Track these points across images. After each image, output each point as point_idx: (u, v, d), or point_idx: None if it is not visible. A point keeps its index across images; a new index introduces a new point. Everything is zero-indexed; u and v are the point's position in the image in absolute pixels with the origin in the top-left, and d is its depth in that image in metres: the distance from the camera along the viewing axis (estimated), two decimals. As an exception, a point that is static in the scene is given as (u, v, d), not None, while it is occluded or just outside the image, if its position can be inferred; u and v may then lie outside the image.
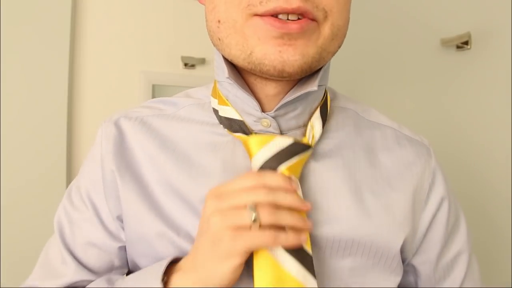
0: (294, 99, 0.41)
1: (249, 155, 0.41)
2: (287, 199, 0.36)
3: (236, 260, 0.34)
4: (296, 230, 0.36)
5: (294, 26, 0.35)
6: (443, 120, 1.03)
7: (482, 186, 0.91)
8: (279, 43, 0.35)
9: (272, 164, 0.39)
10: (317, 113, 0.44)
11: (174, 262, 0.39)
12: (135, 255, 0.44)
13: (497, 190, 0.88)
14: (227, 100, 0.43)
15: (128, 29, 1.40)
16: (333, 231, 0.40)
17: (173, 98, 0.50)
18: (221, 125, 0.44)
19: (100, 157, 0.46)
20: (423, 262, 0.47)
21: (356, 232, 0.41)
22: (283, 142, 0.40)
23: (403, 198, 0.44)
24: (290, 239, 0.35)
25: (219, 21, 0.38)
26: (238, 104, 0.43)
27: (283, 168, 0.39)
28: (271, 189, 0.36)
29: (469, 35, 0.93)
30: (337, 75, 1.46)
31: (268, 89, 0.42)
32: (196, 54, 1.49)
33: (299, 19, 0.36)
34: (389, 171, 0.45)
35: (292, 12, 0.35)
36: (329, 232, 0.40)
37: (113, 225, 0.45)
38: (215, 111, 0.45)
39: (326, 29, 0.38)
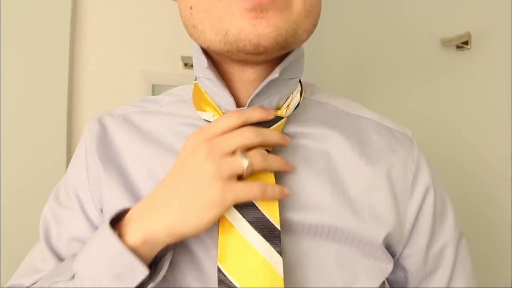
0: (267, 90, 0.41)
1: None
2: (273, 137, 0.38)
3: (221, 210, 0.35)
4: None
5: None
6: (442, 120, 1.03)
7: (482, 186, 0.91)
8: (253, 16, 0.35)
9: None
10: (297, 92, 0.45)
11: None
12: None
13: (497, 190, 0.88)
14: (207, 96, 0.44)
15: (128, 29, 1.40)
16: (314, 218, 0.41)
17: (155, 96, 0.51)
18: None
19: (84, 151, 0.47)
20: (411, 254, 0.47)
21: (338, 220, 0.41)
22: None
23: (383, 186, 0.44)
24: (277, 192, 0.37)
25: (191, 8, 0.38)
26: (215, 99, 0.43)
27: None
28: (257, 130, 0.38)
29: (469, 35, 0.93)
30: (336, 75, 1.46)
31: (246, 76, 0.42)
32: (196, 54, 1.49)
33: None
34: (368, 161, 0.45)
35: None
36: (310, 218, 0.41)
37: (98, 220, 0.46)
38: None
39: (298, 4, 0.37)
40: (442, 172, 0.95)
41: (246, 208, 0.38)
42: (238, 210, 0.38)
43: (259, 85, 0.42)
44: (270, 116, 0.40)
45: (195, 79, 0.47)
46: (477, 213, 0.91)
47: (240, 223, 0.38)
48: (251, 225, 0.38)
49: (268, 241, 0.37)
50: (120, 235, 0.36)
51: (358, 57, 1.35)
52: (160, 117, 0.47)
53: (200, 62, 0.42)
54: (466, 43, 0.95)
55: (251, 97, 0.41)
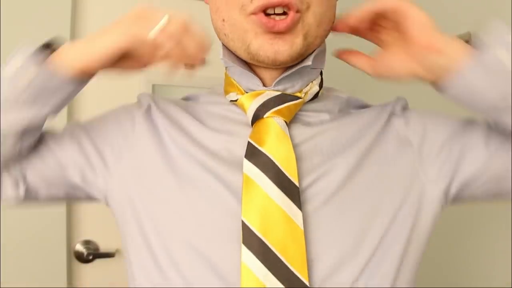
0: (292, 75, 0.48)
1: (244, 111, 0.48)
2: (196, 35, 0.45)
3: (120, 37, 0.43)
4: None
5: (282, 26, 0.42)
6: (443, 120, 1.03)
7: (482, 186, 0.91)
8: (271, 37, 0.43)
9: (261, 110, 0.47)
10: (317, 82, 0.52)
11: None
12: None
13: (497, 190, 0.88)
14: (233, 80, 0.51)
15: (128, 29, 1.40)
16: (327, 183, 0.45)
17: (195, 93, 0.59)
18: (232, 104, 0.52)
19: (134, 115, 0.55)
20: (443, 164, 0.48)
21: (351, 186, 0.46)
22: (271, 93, 0.47)
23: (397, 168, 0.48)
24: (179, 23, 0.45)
25: (223, 20, 0.46)
26: (243, 83, 0.50)
27: (270, 112, 0.46)
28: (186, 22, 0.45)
29: (469, 35, 0.92)
30: (337, 74, 1.46)
31: (269, 72, 0.49)
32: (196, 54, 1.49)
33: (284, 12, 0.42)
34: (372, 144, 0.49)
35: (278, 5, 0.41)
36: (323, 183, 0.45)
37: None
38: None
39: (309, 18, 0.44)
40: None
41: (268, 167, 0.43)
42: (261, 169, 0.43)
43: (283, 70, 0.48)
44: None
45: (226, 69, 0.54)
46: (476, 214, 0.91)
47: (262, 181, 0.42)
48: (273, 182, 0.42)
49: (288, 197, 0.42)
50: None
51: (358, 57, 1.35)
52: (197, 105, 0.56)
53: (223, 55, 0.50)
54: (466, 43, 0.95)
55: (278, 78, 0.47)
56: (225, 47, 0.49)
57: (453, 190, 0.48)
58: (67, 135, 0.53)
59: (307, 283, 0.39)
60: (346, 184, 0.45)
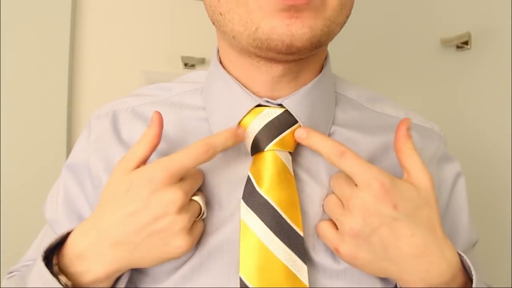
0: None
1: None
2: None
3: (179, 255, 0.35)
4: None
5: None
6: (442, 120, 1.03)
7: (482, 187, 0.91)
8: (286, 16, 0.32)
9: (262, 139, 0.38)
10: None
11: None
12: None
13: (497, 190, 0.88)
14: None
15: (128, 29, 1.40)
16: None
17: (169, 83, 0.48)
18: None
19: (88, 148, 0.45)
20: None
21: None
22: (273, 112, 0.38)
23: None
24: None
25: None
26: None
27: (272, 144, 0.38)
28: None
29: (469, 35, 0.92)
30: (336, 74, 1.46)
31: (274, 71, 0.38)
32: (196, 54, 1.49)
33: None
34: (395, 167, 0.41)
35: None
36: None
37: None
38: None
39: (333, 0, 0.35)
40: (442, 172, 0.95)
41: (266, 213, 0.36)
42: (258, 215, 0.36)
43: (288, 80, 0.39)
44: (240, 138, 0.37)
45: None
46: (476, 214, 0.91)
47: (260, 229, 0.36)
48: (272, 231, 0.36)
49: (291, 249, 0.36)
50: (73, 273, 0.34)
51: (358, 56, 1.35)
52: (169, 110, 0.44)
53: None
54: (466, 43, 0.95)
55: (294, 94, 0.39)
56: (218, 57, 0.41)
57: None
58: None
59: None
60: None
